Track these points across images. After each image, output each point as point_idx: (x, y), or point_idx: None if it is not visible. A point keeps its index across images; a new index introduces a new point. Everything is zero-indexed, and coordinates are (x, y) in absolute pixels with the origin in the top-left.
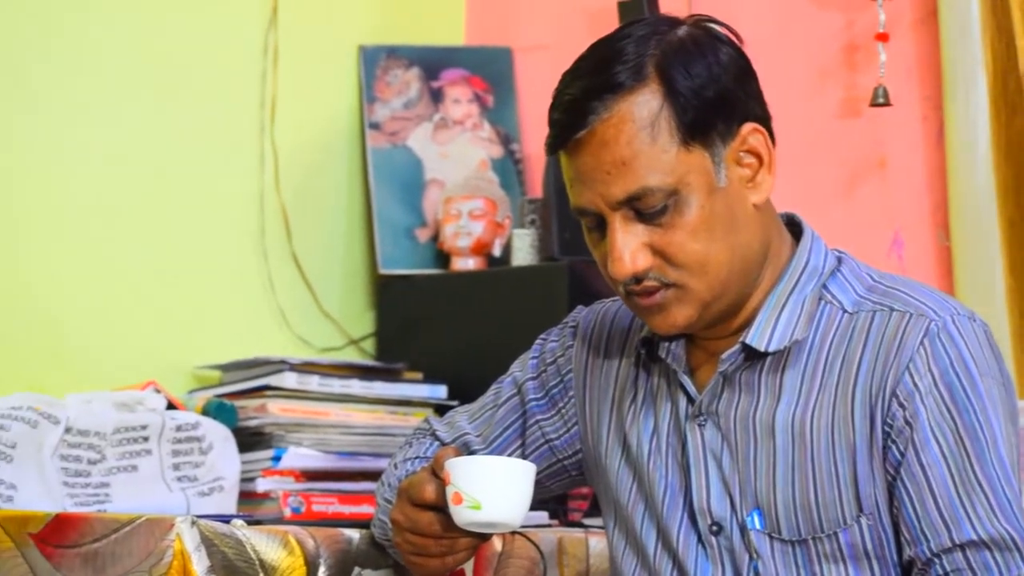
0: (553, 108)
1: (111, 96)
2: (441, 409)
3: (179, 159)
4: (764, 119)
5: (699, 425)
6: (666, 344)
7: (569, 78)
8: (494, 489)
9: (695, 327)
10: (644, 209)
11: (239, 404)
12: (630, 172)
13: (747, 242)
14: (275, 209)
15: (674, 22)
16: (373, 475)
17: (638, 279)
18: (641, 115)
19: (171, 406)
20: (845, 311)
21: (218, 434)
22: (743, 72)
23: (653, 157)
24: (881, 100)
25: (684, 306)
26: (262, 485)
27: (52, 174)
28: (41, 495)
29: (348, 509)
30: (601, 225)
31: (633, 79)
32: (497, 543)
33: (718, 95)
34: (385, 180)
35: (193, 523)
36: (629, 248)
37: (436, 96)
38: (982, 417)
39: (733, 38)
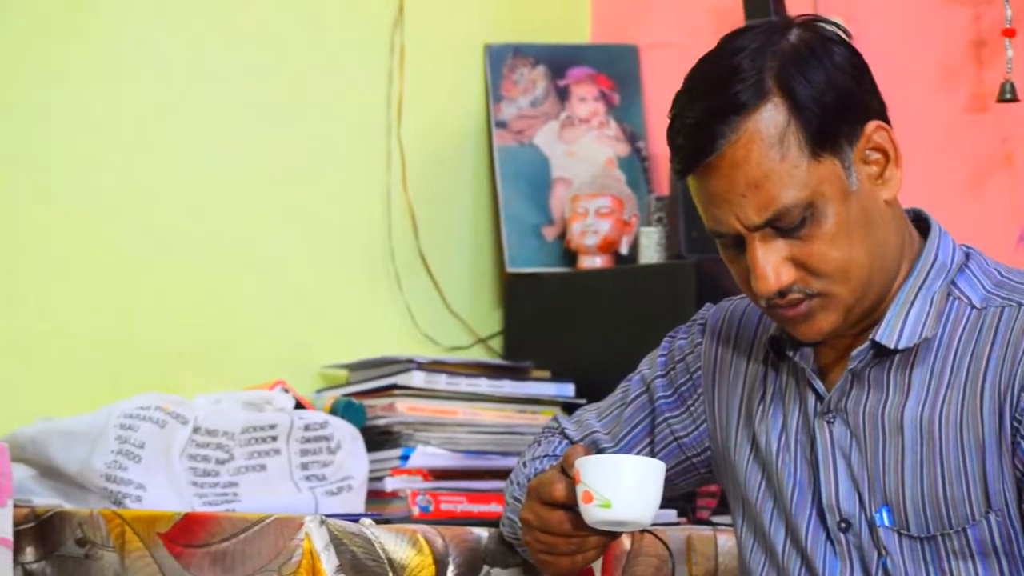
0: (676, 132)
1: (241, 98)
2: (569, 407)
3: (307, 159)
4: (882, 112)
5: (828, 422)
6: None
7: (687, 99)
8: (624, 487)
9: (840, 331)
10: (782, 225)
11: (367, 403)
12: (765, 193)
13: (884, 240)
14: (402, 208)
15: (782, 27)
16: (501, 474)
17: (782, 293)
18: (769, 132)
19: (299, 405)
20: (973, 307)
21: (346, 433)
22: (858, 69)
23: (785, 173)
24: (1008, 96)
25: (829, 313)
26: (390, 484)
27: (183, 176)
28: (170, 495)
29: (476, 508)
30: (739, 242)
31: (756, 96)
32: (626, 541)
33: (839, 99)
34: (512, 179)
35: (322, 522)
36: (771, 264)
37: (562, 94)
38: None
39: (842, 35)
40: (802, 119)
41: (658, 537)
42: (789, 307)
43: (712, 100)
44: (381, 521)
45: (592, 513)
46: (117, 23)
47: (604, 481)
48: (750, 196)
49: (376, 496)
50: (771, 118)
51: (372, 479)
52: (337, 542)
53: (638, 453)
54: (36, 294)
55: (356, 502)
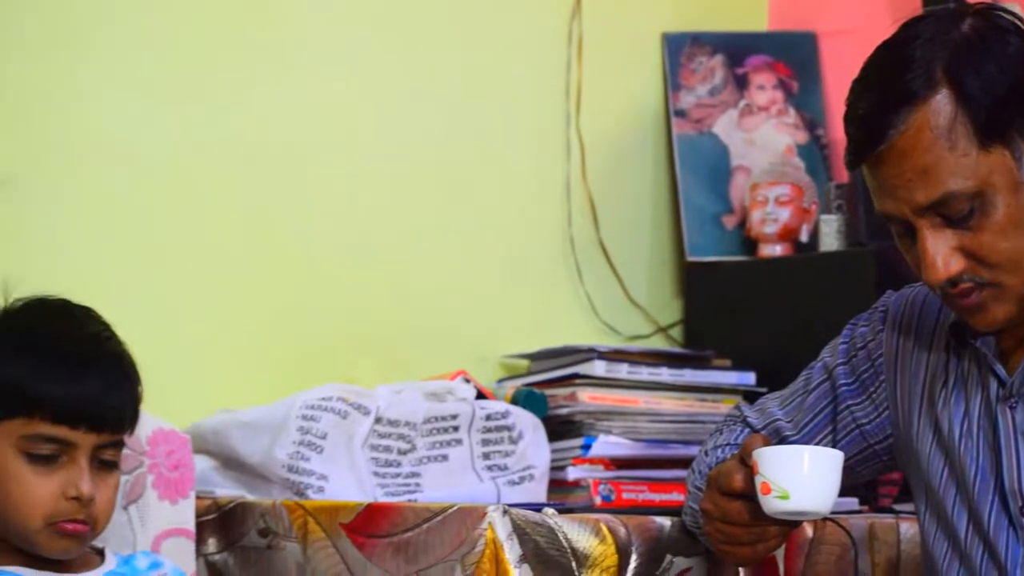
0: (849, 122)
1: (420, 91)
2: (750, 396)
3: (487, 150)
4: None
5: (1010, 407)
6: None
7: (860, 89)
8: (802, 478)
9: (1016, 321)
10: (950, 214)
11: (548, 393)
12: (932, 179)
13: None
14: (582, 198)
15: (958, 15)
16: (683, 463)
17: (953, 282)
18: (938, 123)
19: (481, 395)
20: None
21: (528, 423)
22: None
23: (953, 163)
24: None
25: (1002, 303)
26: (572, 473)
27: (365, 167)
28: (352, 485)
29: (658, 497)
30: (910, 231)
31: (925, 87)
32: (808, 529)
33: (1011, 90)
34: (691, 167)
35: (505, 512)
36: (941, 254)
37: (741, 82)
38: None
39: (1019, 23)
40: (971, 110)
41: (840, 525)
42: (961, 296)
43: (883, 90)
44: (564, 510)
45: (771, 504)
46: (289, 17)
47: (782, 472)
48: (917, 180)
49: (558, 485)
50: (940, 109)
51: (554, 468)
52: (520, 531)
53: (820, 441)
54: (217, 286)
55: (538, 492)
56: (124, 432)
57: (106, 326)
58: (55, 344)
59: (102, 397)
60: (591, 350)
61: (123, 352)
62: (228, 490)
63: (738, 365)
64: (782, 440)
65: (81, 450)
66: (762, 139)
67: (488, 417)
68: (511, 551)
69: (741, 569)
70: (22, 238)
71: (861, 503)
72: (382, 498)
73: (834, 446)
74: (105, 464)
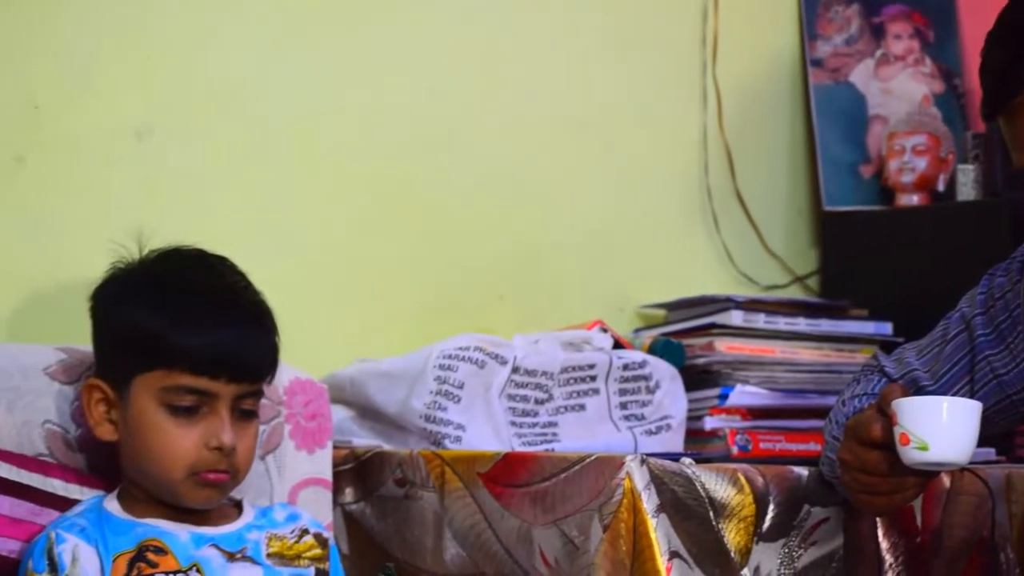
0: (983, 74)
1: (555, 43)
2: (887, 346)
3: (623, 99)
4: None
5: None
6: None
7: (994, 41)
8: (941, 429)
9: None
10: None
11: (685, 342)
12: None
13: None
14: (718, 147)
15: None
16: (819, 412)
17: None
18: None
19: (618, 345)
20: None
21: (665, 373)
22: None
23: None
24: None
25: None
26: (709, 423)
27: (500, 118)
28: (489, 435)
29: (795, 447)
30: None
31: None
32: (945, 479)
33: None
34: (828, 117)
35: (643, 461)
36: None
37: (877, 32)
38: None
39: None
40: None
41: (978, 475)
42: None
43: (1015, 43)
44: (701, 460)
45: (909, 455)
46: None
47: (920, 423)
48: None
49: (694, 435)
50: None
51: (690, 418)
52: (658, 481)
53: (957, 391)
54: (355, 236)
55: (675, 441)
56: (263, 381)
57: (242, 275)
58: (193, 295)
59: (242, 347)
60: (728, 300)
61: (260, 301)
62: (365, 440)
63: (875, 315)
64: (919, 390)
65: (222, 400)
66: (899, 88)
67: (625, 367)
68: (649, 501)
69: (879, 519)
70: (160, 189)
71: (998, 453)
72: (519, 448)
73: (972, 396)
74: (245, 413)
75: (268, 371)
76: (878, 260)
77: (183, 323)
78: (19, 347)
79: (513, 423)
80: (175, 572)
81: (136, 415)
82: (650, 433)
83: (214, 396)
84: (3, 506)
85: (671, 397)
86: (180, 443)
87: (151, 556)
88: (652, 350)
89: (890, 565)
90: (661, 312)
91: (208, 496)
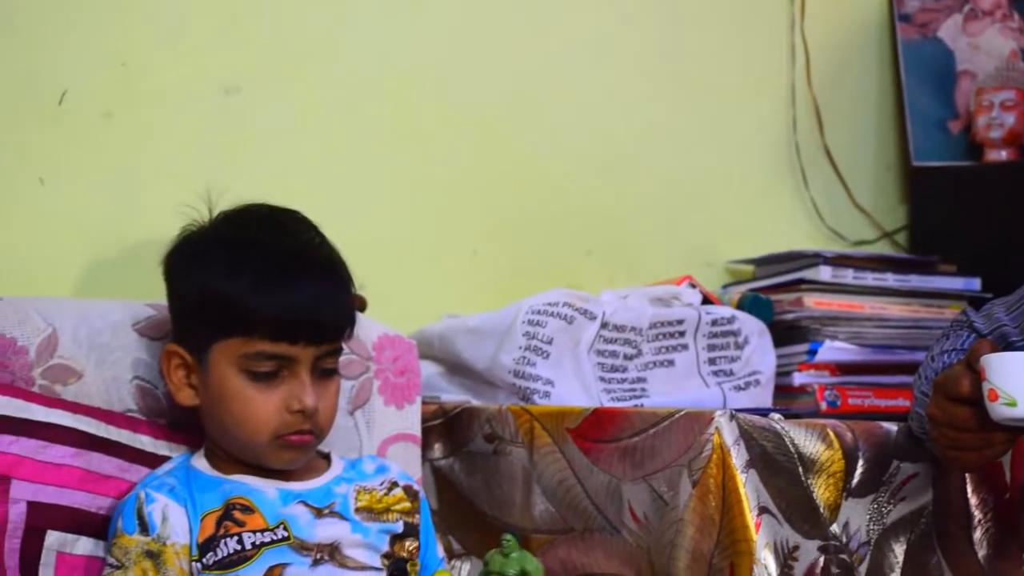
0: None
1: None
2: (976, 302)
3: (711, 55)
4: None
5: None
6: None
7: None
8: None
9: None
10: None
11: (774, 298)
12: None
13: None
14: (806, 103)
15: None
16: (908, 368)
17: None
18: None
19: (706, 300)
20: None
21: (753, 328)
22: None
23: None
24: None
25: None
26: (798, 379)
27: (586, 71)
28: (577, 390)
29: (883, 402)
30: None
31: None
32: None
33: None
34: (916, 72)
35: (732, 417)
36: None
37: None
38: None
39: None
40: None
41: None
42: None
43: None
44: (790, 416)
45: (997, 411)
46: None
47: (1009, 379)
48: None
49: (783, 391)
50: None
51: (779, 374)
52: (747, 437)
53: None
54: (444, 192)
55: (763, 397)
56: (342, 340)
57: (315, 231)
58: (266, 258)
59: (318, 308)
60: (816, 255)
61: (334, 257)
62: (454, 395)
63: (964, 271)
64: (1008, 346)
65: (301, 363)
66: (987, 44)
67: (714, 322)
68: (738, 456)
69: (967, 475)
70: (248, 146)
71: None
72: (608, 403)
73: None
74: (326, 372)
75: (346, 329)
76: (967, 215)
77: (257, 289)
78: (108, 303)
79: (602, 378)
80: (262, 530)
81: (216, 382)
82: (739, 389)
83: (293, 360)
84: (92, 462)
85: (760, 353)
86: (262, 408)
87: (238, 515)
88: (741, 305)
89: (979, 521)
90: (749, 267)
91: (292, 457)
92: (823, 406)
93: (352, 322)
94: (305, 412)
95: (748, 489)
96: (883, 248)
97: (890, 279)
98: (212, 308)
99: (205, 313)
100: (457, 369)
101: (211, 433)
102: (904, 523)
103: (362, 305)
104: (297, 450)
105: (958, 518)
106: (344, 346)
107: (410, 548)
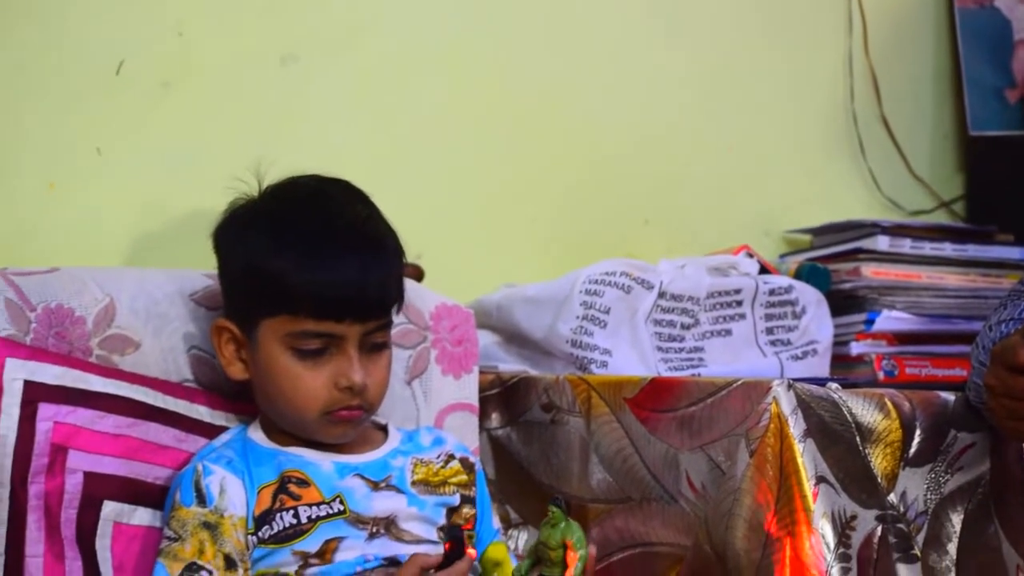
0: None
1: None
2: None
3: (768, 25)
4: None
5: None
6: None
7: None
8: None
9: None
10: None
11: (831, 267)
12: None
13: None
14: (864, 72)
15: None
16: (965, 338)
17: None
18: None
19: (764, 270)
20: None
21: (811, 298)
22: None
23: None
24: None
25: None
26: (855, 349)
27: (644, 41)
28: (635, 360)
29: (941, 372)
30: None
31: None
32: None
33: None
34: (973, 41)
35: (790, 386)
36: None
37: None
38: None
39: None
40: None
41: None
42: None
43: None
44: (847, 385)
45: None
46: None
47: None
48: None
49: (840, 360)
50: None
51: (836, 343)
52: (804, 406)
53: None
54: (502, 162)
55: (821, 366)
56: (390, 315)
57: (363, 203)
58: (311, 234)
59: (363, 287)
60: (874, 225)
61: (381, 230)
62: (511, 365)
63: (1021, 240)
64: None
65: (349, 340)
66: None
67: (771, 292)
68: (796, 426)
69: None
70: (305, 115)
71: None
72: (665, 372)
73: None
74: (375, 347)
75: (393, 304)
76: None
77: (301, 267)
78: (165, 273)
79: (659, 348)
80: (318, 504)
81: (264, 358)
82: (796, 358)
83: (340, 337)
84: (149, 432)
85: (817, 322)
86: (310, 385)
87: (293, 488)
88: (798, 275)
89: None
90: (807, 237)
91: (343, 432)
92: (880, 376)
93: (401, 296)
94: (353, 389)
95: (806, 459)
96: (940, 217)
97: (947, 249)
98: (257, 285)
99: (251, 290)
100: (514, 339)
101: (263, 407)
102: (961, 493)
103: (419, 275)
104: (347, 425)
105: (1016, 488)
106: (397, 318)
107: (467, 515)
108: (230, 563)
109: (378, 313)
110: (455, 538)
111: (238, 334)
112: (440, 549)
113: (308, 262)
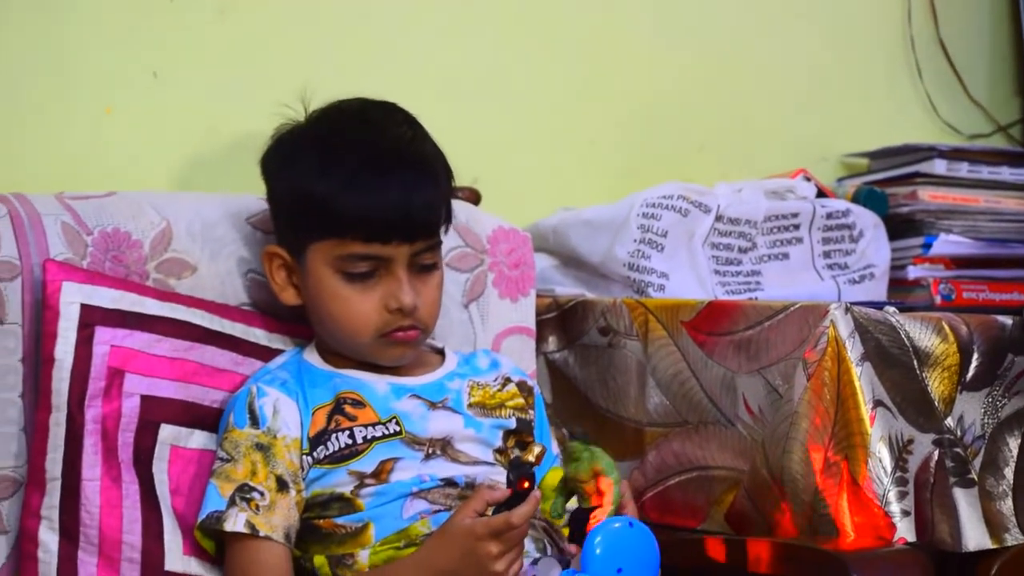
0: None
1: None
2: None
3: None
4: None
5: None
6: None
7: None
8: None
9: None
10: None
11: (888, 191)
12: None
13: None
14: None
15: None
16: (1023, 262)
17: None
18: None
19: (821, 194)
20: None
21: (868, 221)
22: None
23: None
24: None
25: None
26: (912, 272)
27: None
28: (692, 283)
29: (998, 296)
30: None
31: None
32: None
33: None
34: None
35: (847, 310)
36: None
37: None
38: None
39: None
40: None
41: None
42: None
43: None
44: (904, 309)
45: None
46: None
47: None
48: None
49: (897, 284)
50: None
51: (893, 267)
52: (862, 330)
53: None
54: (559, 86)
55: (878, 290)
56: (438, 236)
57: (408, 124)
58: (356, 157)
59: (409, 208)
60: (931, 148)
61: (427, 152)
62: (568, 288)
63: None
64: None
65: (397, 262)
66: None
67: (829, 215)
68: (853, 349)
69: None
70: (366, 40)
71: None
72: (723, 296)
73: None
74: (425, 267)
75: (440, 225)
76: None
77: (346, 190)
78: (222, 197)
79: (716, 271)
80: (374, 424)
81: (315, 283)
82: (853, 282)
83: (389, 259)
84: (205, 356)
85: (875, 246)
86: (361, 308)
87: (348, 409)
88: (855, 199)
89: None
90: (864, 161)
91: (400, 353)
92: (938, 300)
93: (449, 217)
94: (404, 310)
95: (863, 382)
96: (998, 141)
97: (1005, 172)
98: (304, 210)
99: (298, 215)
100: (571, 262)
101: (318, 330)
102: (1019, 417)
103: (476, 198)
104: (403, 346)
105: None
106: (454, 241)
107: (537, 453)
108: (282, 484)
109: (425, 234)
110: (528, 475)
111: (288, 260)
112: (503, 480)
113: (353, 184)
